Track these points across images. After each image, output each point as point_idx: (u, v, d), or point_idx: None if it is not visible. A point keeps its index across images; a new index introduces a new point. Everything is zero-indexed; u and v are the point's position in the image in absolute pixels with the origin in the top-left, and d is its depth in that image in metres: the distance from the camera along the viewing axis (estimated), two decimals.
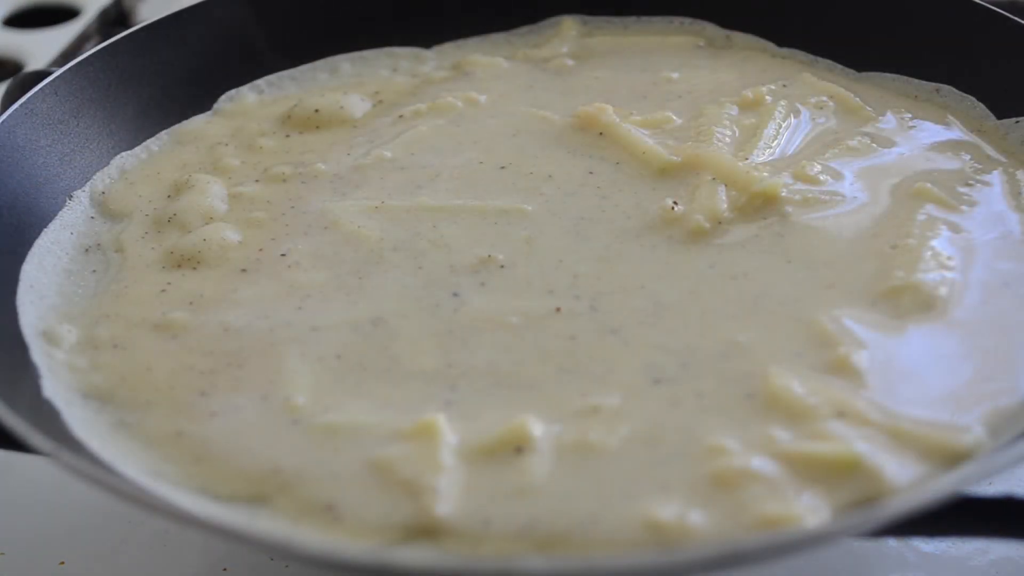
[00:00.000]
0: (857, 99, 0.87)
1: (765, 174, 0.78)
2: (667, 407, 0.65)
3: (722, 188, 0.78)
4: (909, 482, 0.61)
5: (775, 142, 0.83)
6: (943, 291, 0.71)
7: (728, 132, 0.83)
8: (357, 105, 0.89)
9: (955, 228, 0.76)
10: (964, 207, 0.78)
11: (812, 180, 0.79)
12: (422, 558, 0.59)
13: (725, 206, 0.77)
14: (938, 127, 0.85)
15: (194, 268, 0.76)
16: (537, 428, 0.64)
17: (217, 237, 0.77)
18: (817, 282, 0.72)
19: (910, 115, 0.86)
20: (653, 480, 0.61)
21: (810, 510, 0.59)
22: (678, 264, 0.74)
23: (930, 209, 0.77)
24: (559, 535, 0.59)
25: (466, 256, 0.75)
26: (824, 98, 0.87)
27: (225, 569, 0.71)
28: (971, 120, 0.86)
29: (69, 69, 0.86)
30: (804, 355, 0.67)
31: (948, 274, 0.72)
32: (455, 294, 0.73)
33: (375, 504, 0.61)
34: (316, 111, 0.88)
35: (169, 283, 0.75)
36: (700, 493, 0.60)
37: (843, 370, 0.66)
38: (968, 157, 0.82)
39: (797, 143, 0.84)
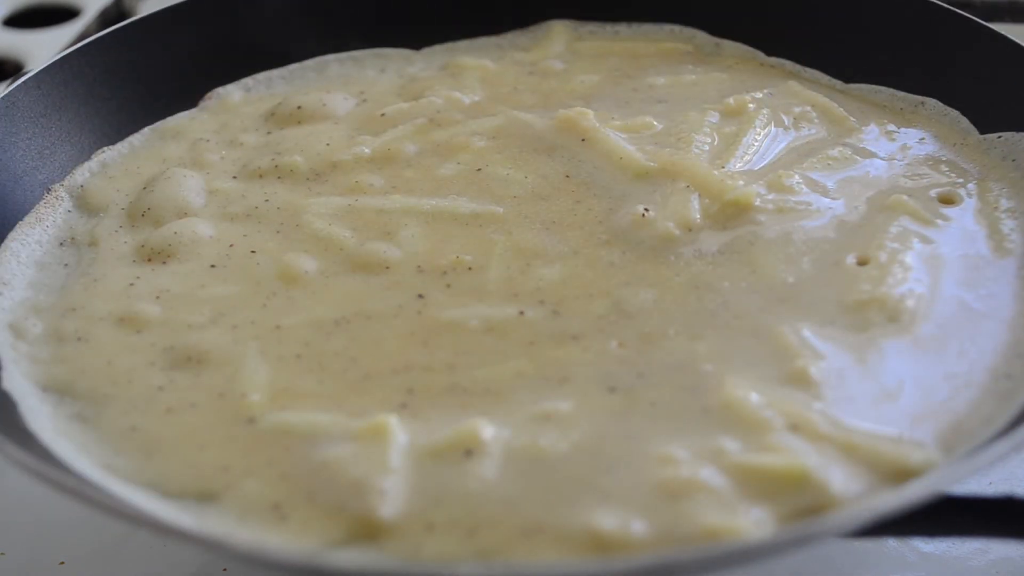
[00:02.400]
0: (841, 109, 0.86)
1: (740, 183, 0.78)
2: (620, 416, 0.64)
3: (695, 196, 0.77)
4: (856, 497, 0.60)
5: (753, 150, 0.82)
6: (909, 306, 0.70)
7: (708, 140, 0.83)
8: (340, 104, 0.89)
9: (927, 242, 0.75)
10: (939, 221, 0.77)
11: (788, 190, 0.78)
12: (357, 561, 0.59)
13: (697, 215, 0.76)
14: (921, 140, 0.85)
15: (164, 263, 0.76)
16: (488, 431, 0.63)
17: (188, 232, 0.78)
18: (782, 293, 0.71)
19: (894, 127, 0.85)
20: (599, 489, 0.61)
21: (754, 522, 0.59)
22: (645, 272, 0.73)
23: (904, 222, 0.76)
24: (502, 542, 0.59)
25: (435, 258, 0.75)
26: (808, 108, 0.86)
27: (225, 569, 0.71)
28: (954, 134, 0.85)
29: (53, 64, 0.86)
30: (763, 366, 0.67)
31: (916, 289, 0.71)
32: (420, 296, 0.72)
33: (321, 504, 0.61)
34: (298, 108, 0.88)
35: (138, 277, 0.75)
36: (645, 503, 0.60)
37: (801, 382, 0.66)
38: (948, 171, 0.81)
39: (777, 152, 0.83)
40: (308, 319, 0.71)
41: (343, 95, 0.90)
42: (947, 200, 0.79)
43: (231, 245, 0.77)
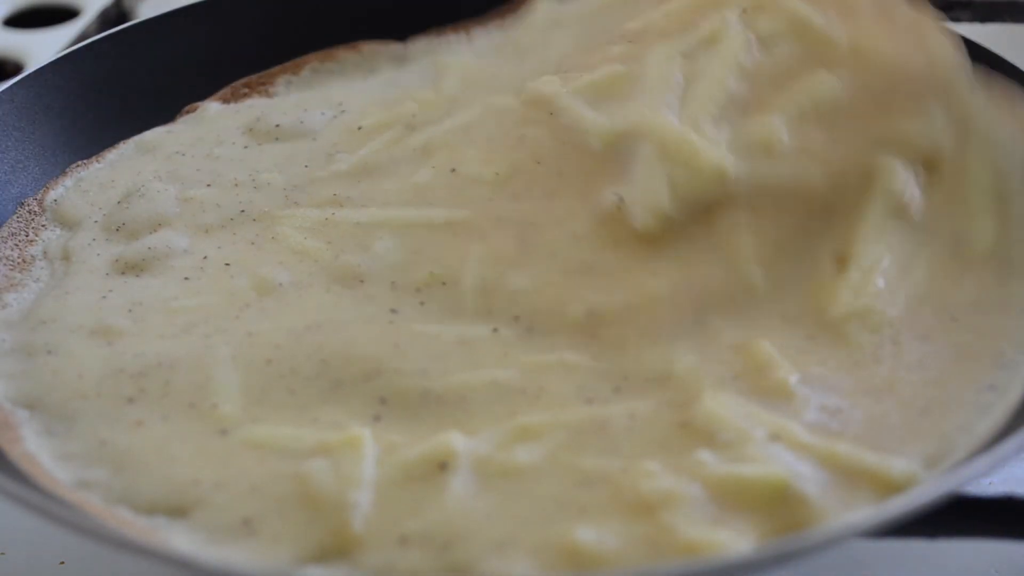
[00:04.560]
0: (824, 26, 0.77)
1: (713, 148, 0.72)
2: (596, 429, 0.64)
3: (666, 169, 0.72)
4: (837, 510, 0.59)
5: (724, 93, 0.75)
6: (889, 316, 0.69)
7: (677, 79, 0.76)
8: (318, 119, 0.87)
9: (910, 233, 0.73)
10: (921, 201, 0.73)
11: (766, 149, 0.73)
12: None
13: (667, 198, 0.72)
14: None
15: (138, 276, 0.75)
16: (462, 445, 0.62)
17: (163, 246, 0.77)
18: (760, 304, 0.70)
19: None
20: (576, 503, 0.60)
21: (734, 536, 0.58)
22: (620, 272, 0.71)
23: (885, 201, 0.72)
24: (476, 555, 0.58)
25: (409, 272, 0.74)
26: (784, 23, 0.77)
27: None
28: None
29: (27, 77, 0.85)
30: (742, 379, 0.66)
31: (896, 297, 0.70)
32: (393, 310, 0.71)
33: (292, 519, 0.60)
34: (276, 126, 0.87)
35: (111, 290, 0.74)
36: (622, 517, 0.59)
37: (782, 395, 0.65)
38: (936, 115, 0.74)
39: (752, 87, 0.75)
40: (280, 326, 0.70)
41: (321, 110, 0.88)
42: (932, 165, 0.74)
43: (205, 257, 0.76)
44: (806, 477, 0.60)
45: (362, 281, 0.73)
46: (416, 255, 0.75)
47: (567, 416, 0.64)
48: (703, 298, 0.71)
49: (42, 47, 1.13)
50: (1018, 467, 0.73)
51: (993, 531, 0.63)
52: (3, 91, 0.84)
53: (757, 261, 0.72)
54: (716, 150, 0.73)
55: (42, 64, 0.87)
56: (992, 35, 0.90)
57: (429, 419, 0.65)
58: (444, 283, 0.73)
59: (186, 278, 0.75)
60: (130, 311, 0.73)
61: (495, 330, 0.70)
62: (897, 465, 0.61)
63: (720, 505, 0.59)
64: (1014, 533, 0.62)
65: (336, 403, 0.66)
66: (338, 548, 0.59)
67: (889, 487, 0.61)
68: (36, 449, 0.66)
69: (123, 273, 0.76)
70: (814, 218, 0.73)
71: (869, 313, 0.70)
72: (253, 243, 0.77)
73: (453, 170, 0.79)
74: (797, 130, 0.74)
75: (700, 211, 0.72)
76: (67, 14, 1.20)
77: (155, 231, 0.78)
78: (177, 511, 0.62)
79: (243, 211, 0.79)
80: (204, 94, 0.92)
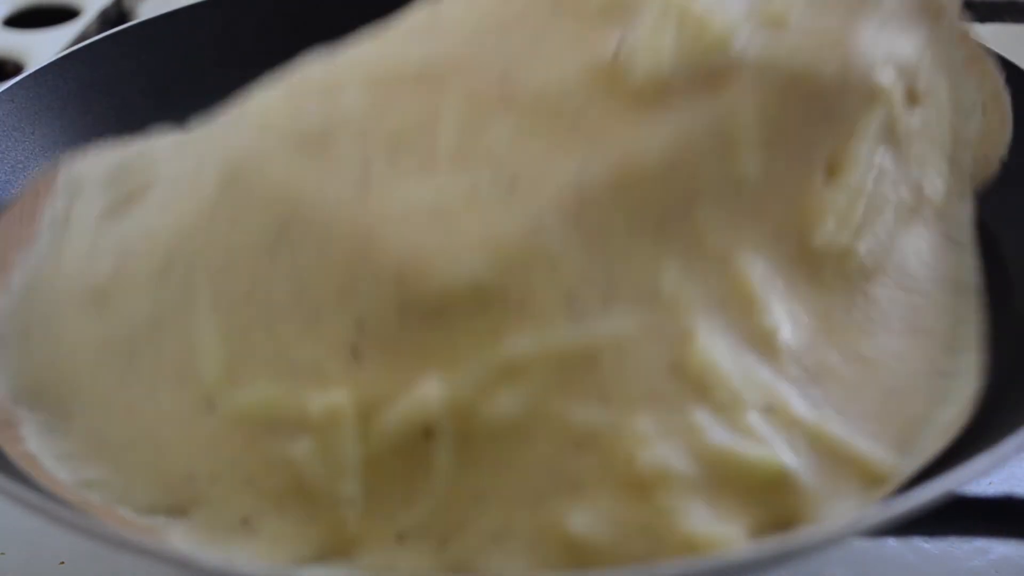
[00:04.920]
0: None
1: (723, 11, 0.65)
2: (585, 364, 0.59)
3: (673, 26, 0.65)
4: (826, 498, 0.58)
5: None
6: (863, 257, 0.66)
7: None
8: None
9: (888, 169, 0.68)
10: (905, 129, 0.69)
11: (778, 19, 0.66)
12: None
13: (670, 51, 0.64)
14: None
15: (124, 214, 0.71)
16: (439, 392, 0.58)
17: (153, 179, 0.72)
18: (749, 204, 0.64)
19: None
20: (568, 476, 0.57)
21: (731, 529, 0.57)
22: (610, 137, 0.63)
23: (878, 123, 0.68)
24: (474, 550, 0.57)
25: (379, 120, 0.65)
26: None
27: None
28: None
29: (27, 77, 0.85)
30: (728, 310, 0.61)
31: (875, 242, 0.66)
32: (364, 166, 0.63)
33: (290, 517, 0.59)
34: None
35: (100, 237, 0.71)
36: (616, 498, 0.57)
37: (768, 348, 0.61)
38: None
39: None
40: (252, 229, 0.63)
41: None
42: (913, 97, 0.70)
43: (183, 169, 0.71)
44: (800, 462, 0.59)
45: (326, 140, 0.65)
46: (388, 102, 0.66)
47: (552, 339, 0.59)
48: (693, 181, 0.63)
49: (42, 47, 1.14)
50: (1018, 467, 0.74)
51: (993, 531, 0.63)
52: (3, 91, 0.84)
53: (755, 146, 0.65)
54: (726, 15, 0.66)
55: (42, 64, 0.87)
56: (992, 35, 0.90)
57: (409, 346, 0.59)
58: (419, 126, 0.64)
59: (165, 194, 0.70)
60: (116, 257, 0.68)
61: (473, 187, 0.62)
62: (886, 456, 0.60)
63: (714, 485, 0.58)
64: (1014, 533, 0.62)
65: (314, 337, 0.61)
66: (338, 548, 0.59)
67: (877, 478, 0.60)
68: (36, 449, 0.66)
69: (111, 216, 0.72)
70: (814, 118, 0.66)
71: (847, 255, 0.65)
72: (226, 130, 0.71)
73: (432, 14, 0.71)
74: (811, 8, 0.68)
75: (703, 76, 0.65)
76: (67, 14, 1.20)
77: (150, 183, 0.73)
78: (176, 510, 0.62)
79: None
80: (204, 94, 0.92)
